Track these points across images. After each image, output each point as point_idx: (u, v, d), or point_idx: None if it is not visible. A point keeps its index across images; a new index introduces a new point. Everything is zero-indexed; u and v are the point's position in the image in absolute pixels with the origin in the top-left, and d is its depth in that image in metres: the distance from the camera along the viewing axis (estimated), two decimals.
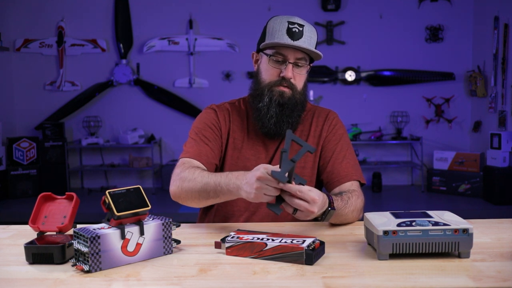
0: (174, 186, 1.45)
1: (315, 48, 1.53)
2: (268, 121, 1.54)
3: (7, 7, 5.26)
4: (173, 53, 5.29)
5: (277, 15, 1.56)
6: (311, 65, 1.58)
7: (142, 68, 5.33)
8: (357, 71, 5.21)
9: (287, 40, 1.47)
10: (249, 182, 1.23)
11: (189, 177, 1.41)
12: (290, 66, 1.50)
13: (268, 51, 1.52)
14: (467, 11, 5.15)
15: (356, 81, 5.22)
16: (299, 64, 1.52)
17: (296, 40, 1.47)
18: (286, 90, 1.52)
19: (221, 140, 1.59)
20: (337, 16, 5.20)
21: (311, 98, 5.16)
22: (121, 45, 5.23)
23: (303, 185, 1.18)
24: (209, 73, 5.32)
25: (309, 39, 1.50)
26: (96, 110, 5.36)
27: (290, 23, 1.49)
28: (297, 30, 1.48)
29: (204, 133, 1.57)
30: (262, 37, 1.55)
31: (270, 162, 1.58)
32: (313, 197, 1.18)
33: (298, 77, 1.53)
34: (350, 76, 5.21)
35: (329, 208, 1.29)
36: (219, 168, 1.60)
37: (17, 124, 5.38)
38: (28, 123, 5.37)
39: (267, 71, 1.53)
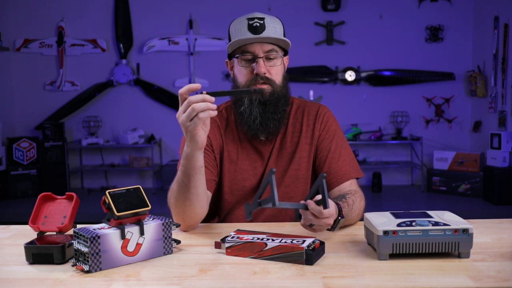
0: (172, 213, 1.39)
1: (284, 37, 1.50)
2: (253, 123, 1.50)
3: (7, 7, 5.26)
4: (173, 53, 5.29)
5: (237, 17, 1.54)
6: (287, 56, 1.55)
7: (142, 68, 5.33)
8: (357, 71, 5.21)
9: (249, 35, 1.45)
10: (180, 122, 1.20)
11: (170, 191, 1.39)
12: (260, 61, 1.46)
13: (237, 54, 1.50)
14: (467, 11, 5.15)
15: (356, 81, 5.22)
16: (271, 57, 1.48)
17: (259, 34, 1.45)
18: (264, 87, 1.48)
19: (214, 155, 1.54)
20: (337, 16, 5.20)
21: (311, 98, 5.17)
22: (121, 45, 5.23)
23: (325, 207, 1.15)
24: (209, 73, 5.32)
25: (273, 29, 1.47)
26: (96, 110, 5.36)
27: (249, 19, 1.48)
28: (258, 24, 1.46)
29: None
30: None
31: (266, 168, 1.55)
32: (331, 212, 1.18)
33: (273, 70, 1.49)
34: (350, 76, 5.21)
35: (339, 217, 1.28)
36: (217, 183, 1.56)
37: (17, 124, 5.38)
38: (28, 123, 5.37)
39: (241, 73, 1.50)
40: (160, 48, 5.27)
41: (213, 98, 1.18)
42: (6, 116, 5.18)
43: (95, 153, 5.42)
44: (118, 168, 5.31)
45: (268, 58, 1.48)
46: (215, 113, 1.18)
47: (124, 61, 5.25)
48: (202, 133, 1.21)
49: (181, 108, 1.19)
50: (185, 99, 1.18)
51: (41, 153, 5.09)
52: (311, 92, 5.19)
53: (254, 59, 1.47)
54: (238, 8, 5.15)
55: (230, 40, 1.52)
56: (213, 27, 5.26)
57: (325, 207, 1.13)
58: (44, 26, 5.30)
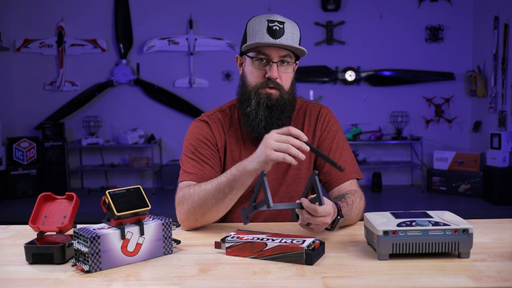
0: (184, 208, 1.39)
1: (299, 44, 1.49)
2: (257, 125, 1.49)
3: (7, 7, 5.26)
4: (173, 53, 5.29)
5: (256, 15, 1.52)
6: (297, 62, 1.54)
7: (142, 68, 5.33)
8: (357, 71, 5.21)
9: (268, 39, 1.43)
10: (259, 150, 1.29)
11: (197, 190, 1.37)
12: (274, 66, 1.45)
13: (251, 53, 1.48)
14: (467, 11, 5.15)
15: (356, 81, 5.22)
16: (284, 63, 1.47)
17: (278, 38, 1.43)
18: (273, 91, 1.47)
19: (219, 155, 1.54)
20: (337, 16, 5.20)
21: (311, 98, 5.17)
22: (121, 45, 5.23)
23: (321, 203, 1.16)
24: (209, 73, 5.32)
25: (291, 35, 1.46)
26: (96, 110, 5.36)
27: (269, 21, 1.45)
28: (277, 28, 1.44)
29: (201, 150, 1.51)
30: (244, 40, 1.50)
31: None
32: (328, 211, 1.18)
33: (284, 76, 1.48)
34: (350, 76, 5.21)
35: (338, 217, 1.28)
36: None
37: (17, 124, 5.38)
38: (28, 123, 5.37)
39: (252, 74, 1.48)
40: (160, 48, 5.27)
41: (307, 148, 1.24)
42: (6, 116, 5.18)
43: (95, 153, 5.42)
44: (118, 168, 5.30)
45: (282, 64, 1.47)
46: (295, 162, 1.25)
47: (124, 61, 5.25)
48: (272, 164, 1.28)
49: (278, 135, 1.26)
50: (288, 135, 1.25)
51: (41, 153, 5.09)
52: (311, 92, 5.19)
53: (268, 61, 1.46)
54: (238, 8, 5.17)
55: (246, 36, 1.49)
56: (213, 27, 5.26)
57: (320, 203, 1.13)
58: (44, 26, 5.30)
